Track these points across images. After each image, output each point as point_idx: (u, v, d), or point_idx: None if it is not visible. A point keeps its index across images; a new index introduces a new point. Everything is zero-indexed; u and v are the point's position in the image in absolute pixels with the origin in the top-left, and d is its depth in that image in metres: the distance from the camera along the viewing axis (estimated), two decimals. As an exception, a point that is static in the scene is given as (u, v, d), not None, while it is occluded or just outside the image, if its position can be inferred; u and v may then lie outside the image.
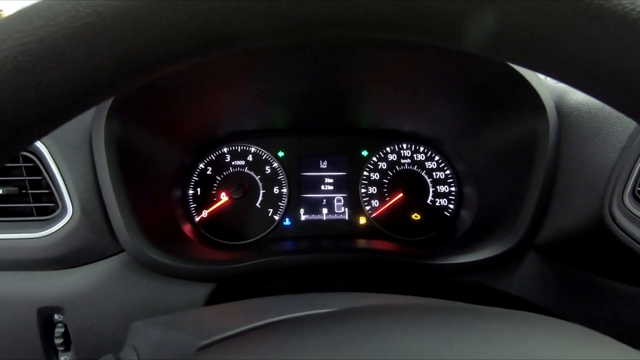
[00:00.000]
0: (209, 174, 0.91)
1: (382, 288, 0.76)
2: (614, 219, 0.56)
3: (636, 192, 0.59)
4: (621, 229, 0.57)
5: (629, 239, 0.57)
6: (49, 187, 0.64)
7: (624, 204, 0.57)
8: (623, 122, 0.57)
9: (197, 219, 0.90)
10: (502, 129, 0.75)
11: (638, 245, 0.57)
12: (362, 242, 0.83)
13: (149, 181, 0.75)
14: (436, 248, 0.80)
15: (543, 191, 0.64)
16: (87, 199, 0.63)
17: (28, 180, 0.65)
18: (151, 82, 0.67)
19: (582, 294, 0.66)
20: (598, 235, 0.58)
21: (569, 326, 0.28)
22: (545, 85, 0.63)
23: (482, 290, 0.70)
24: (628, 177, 0.57)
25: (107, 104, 0.61)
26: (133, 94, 0.63)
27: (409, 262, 0.69)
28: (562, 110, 0.63)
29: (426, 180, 0.93)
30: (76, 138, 0.63)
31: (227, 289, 0.71)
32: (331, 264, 0.69)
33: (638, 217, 0.58)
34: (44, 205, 0.66)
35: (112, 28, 0.19)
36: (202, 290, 0.67)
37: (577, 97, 0.64)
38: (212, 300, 0.69)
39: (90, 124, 0.62)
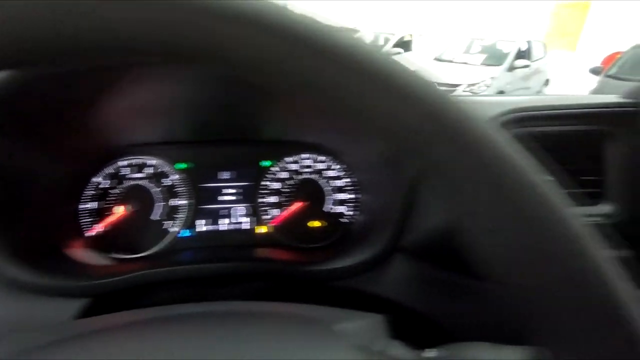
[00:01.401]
0: (104, 187, 0.90)
1: (276, 296, 0.78)
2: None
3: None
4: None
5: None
6: None
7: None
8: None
9: (90, 234, 0.88)
10: (385, 139, 0.79)
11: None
12: (255, 251, 0.85)
13: (25, 197, 0.72)
14: (318, 254, 0.83)
15: (406, 196, 0.69)
16: None
17: None
18: (36, 92, 0.64)
19: (444, 292, 0.71)
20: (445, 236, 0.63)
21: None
22: None
23: (359, 294, 0.73)
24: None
25: None
26: (10, 104, 0.61)
27: (287, 270, 0.72)
28: None
29: (325, 189, 0.96)
30: None
31: (112, 303, 0.70)
32: (205, 274, 0.70)
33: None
34: None
35: None
36: (73, 307, 0.66)
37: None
38: (89, 315, 0.68)
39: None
